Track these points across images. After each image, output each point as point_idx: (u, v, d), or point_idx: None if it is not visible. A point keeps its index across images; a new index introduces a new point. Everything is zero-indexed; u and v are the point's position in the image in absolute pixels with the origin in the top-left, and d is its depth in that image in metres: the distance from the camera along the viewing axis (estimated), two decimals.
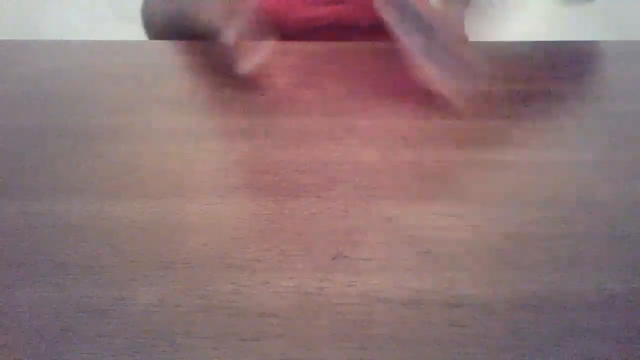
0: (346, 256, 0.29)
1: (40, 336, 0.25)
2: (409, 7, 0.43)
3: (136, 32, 0.63)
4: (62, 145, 0.39)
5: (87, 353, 0.24)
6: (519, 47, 0.57)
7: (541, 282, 0.28)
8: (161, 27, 0.60)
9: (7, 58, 0.55)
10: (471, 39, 0.63)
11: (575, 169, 0.37)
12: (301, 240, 0.30)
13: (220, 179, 0.36)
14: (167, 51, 0.57)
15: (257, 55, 0.46)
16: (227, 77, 0.48)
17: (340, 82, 0.48)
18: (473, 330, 0.25)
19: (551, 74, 0.50)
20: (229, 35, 0.45)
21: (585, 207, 0.33)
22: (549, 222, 0.32)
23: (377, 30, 0.52)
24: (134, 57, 0.56)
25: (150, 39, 0.60)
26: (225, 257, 0.29)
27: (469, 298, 0.27)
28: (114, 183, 0.35)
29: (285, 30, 0.51)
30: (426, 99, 0.43)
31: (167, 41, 0.59)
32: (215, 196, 0.34)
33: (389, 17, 0.43)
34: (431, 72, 0.42)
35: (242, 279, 0.28)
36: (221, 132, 0.41)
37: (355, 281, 0.28)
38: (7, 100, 0.46)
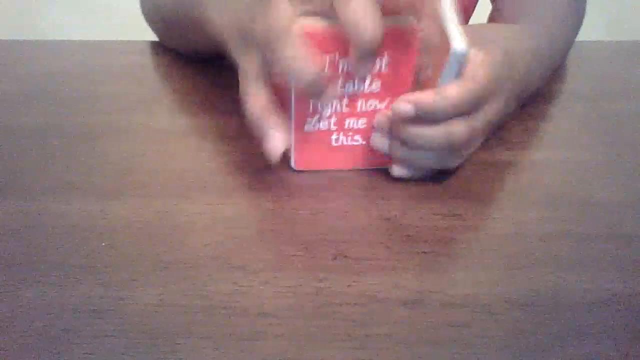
0: (346, 256, 0.29)
1: (40, 336, 0.25)
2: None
3: (136, 32, 0.63)
4: (62, 145, 0.39)
5: (87, 353, 0.24)
6: None
7: (541, 282, 0.28)
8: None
9: (7, 58, 0.55)
10: None
11: (575, 169, 0.37)
12: (301, 240, 0.30)
13: (220, 179, 0.36)
14: (167, 51, 0.57)
15: None
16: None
17: None
18: (473, 330, 0.25)
19: (551, 74, 0.50)
20: None
21: (585, 207, 0.33)
22: (549, 222, 0.32)
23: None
24: (134, 57, 0.56)
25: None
26: (225, 257, 0.29)
27: (469, 298, 0.27)
28: (114, 183, 0.35)
29: None
30: None
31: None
32: (216, 196, 0.34)
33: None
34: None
35: (242, 279, 0.28)
36: (221, 132, 0.41)
37: (355, 281, 0.28)
38: (7, 100, 0.46)
